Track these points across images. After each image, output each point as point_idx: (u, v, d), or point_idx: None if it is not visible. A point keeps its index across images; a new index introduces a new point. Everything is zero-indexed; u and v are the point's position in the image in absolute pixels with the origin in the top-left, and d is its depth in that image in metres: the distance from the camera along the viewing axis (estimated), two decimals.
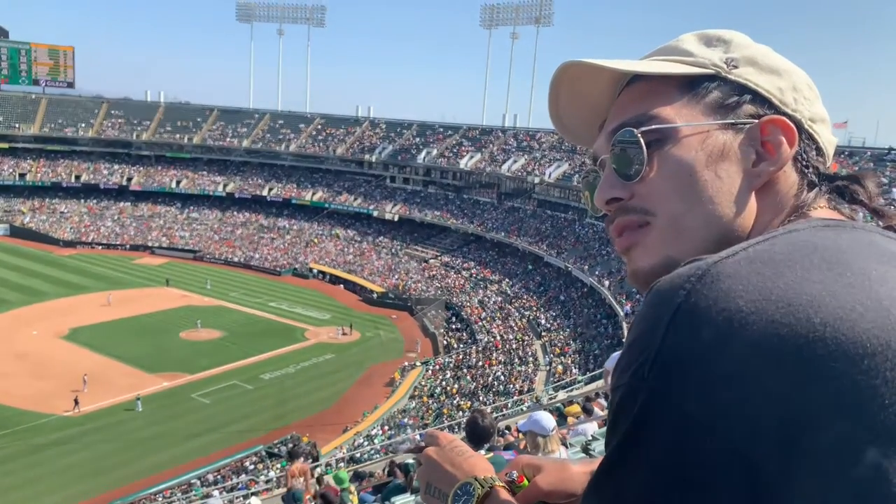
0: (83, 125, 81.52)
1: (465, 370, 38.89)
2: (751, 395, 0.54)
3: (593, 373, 30.06)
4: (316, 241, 69.30)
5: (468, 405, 31.95)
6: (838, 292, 0.57)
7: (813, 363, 0.53)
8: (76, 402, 31.67)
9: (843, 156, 42.86)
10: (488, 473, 0.98)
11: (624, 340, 0.58)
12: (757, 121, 0.79)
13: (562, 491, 0.99)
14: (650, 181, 0.79)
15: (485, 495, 0.94)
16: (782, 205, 0.79)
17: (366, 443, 28.37)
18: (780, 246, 0.64)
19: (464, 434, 4.77)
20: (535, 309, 47.26)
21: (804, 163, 0.80)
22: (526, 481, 0.99)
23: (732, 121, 0.79)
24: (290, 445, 26.08)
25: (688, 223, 0.78)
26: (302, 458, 13.56)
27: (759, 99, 0.80)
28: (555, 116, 0.93)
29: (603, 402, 13.45)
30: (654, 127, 0.79)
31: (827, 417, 0.52)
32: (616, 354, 5.08)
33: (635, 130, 0.79)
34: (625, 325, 34.96)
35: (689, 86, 0.81)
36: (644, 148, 0.79)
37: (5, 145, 76.84)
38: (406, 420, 32.17)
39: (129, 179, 78.63)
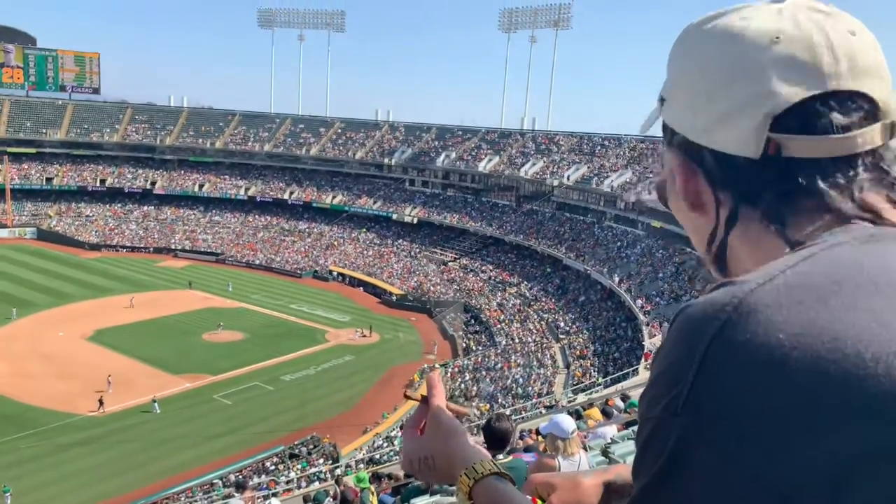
0: (108, 130, 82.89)
1: (483, 372, 38.87)
2: (795, 438, 0.50)
3: (612, 375, 29.92)
4: (336, 243, 69.73)
5: (486, 408, 31.93)
6: (890, 322, 0.52)
7: (864, 404, 0.50)
8: (101, 402, 32.18)
9: None
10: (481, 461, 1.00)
11: (650, 364, 0.63)
12: None
13: None
14: None
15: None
16: None
17: (385, 444, 28.48)
18: (821, 267, 0.58)
19: (482, 438, 4.79)
20: (554, 312, 47.11)
21: None
22: (540, 502, 1.03)
23: None
24: (240, 477, 25.81)
25: None
26: (250, 490, 13.89)
27: None
28: None
29: (620, 403, 13.46)
30: None
31: (879, 466, 0.49)
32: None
33: None
34: (644, 330, 34.72)
35: None
36: None
37: (33, 150, 78.43)
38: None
39: (153, 183, 79.78)
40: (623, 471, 1.02)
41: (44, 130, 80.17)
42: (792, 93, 0.68)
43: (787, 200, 0.70)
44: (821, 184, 0.68)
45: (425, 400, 1.09)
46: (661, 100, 0.81)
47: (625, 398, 13.82)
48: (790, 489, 0.50)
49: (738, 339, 0.54)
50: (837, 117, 0.68)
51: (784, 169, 0.69)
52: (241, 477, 24.30)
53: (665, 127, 0.80)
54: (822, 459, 0.50)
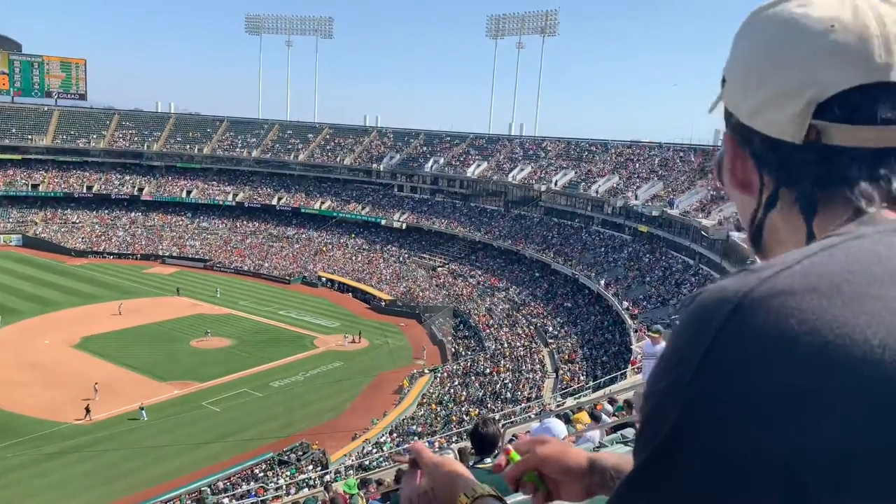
0: (95, 136, 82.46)
1: (473, 377, 38.96)
2: (800, 417, 0.52)
3: (601, 379, 30.11)
4: (325, 249, 69.68)
5: (476, 412, 32.02)
6: None
7: (868, 390, 0.51)
8: (87, 410, 31.98)
9: None
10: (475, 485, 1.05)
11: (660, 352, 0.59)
12: None
13: (555, 461, 1.06)
14: None
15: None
16: None
17: (375, 450, 28.48)
18: (840, 257, 0.59)
19: (469, 442, 4.83)
20: (542, 316, 47.31)
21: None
22: (513, 454, 1.09)
23: None
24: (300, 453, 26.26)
25: None
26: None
27: None
28: None
29: (609, 406, 13.58)
30: None
31: (880, 449, 0.50)
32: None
33: None
34: (633, 334, 34.96)
35: None
36: None
37: (18, 157, 77.86)
38: (415, 427, 32.28)
39: (141, 190, 79.40)
40: (607, 456, 1.07)
41: (29, 137, 79.62)
42: (837, 81, 0.68)
43: (823, 187, 0.70)
44: (857, 174, 0.68)
45: (414, 463, 1.10)
46: (723, 81, 0.81)
47: (613, 402, 13.94)
48: (795, 463, 0.51)
49: (749, 322, 0.56)
50: (883, 109, 0.67)
51: (824, 156, 0.70)
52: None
53: (725, 108, 0.81)
54: (826, 438, 0.51)
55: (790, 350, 0.53)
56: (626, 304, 40.17)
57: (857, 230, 0.65)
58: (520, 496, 1.13)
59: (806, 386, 0.52)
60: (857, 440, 0.50)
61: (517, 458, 1.07)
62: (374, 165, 76.39)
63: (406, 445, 20.22)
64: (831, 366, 0.52)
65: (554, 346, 41.71)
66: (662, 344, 9.51)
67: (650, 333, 10.44)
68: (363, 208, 73.79)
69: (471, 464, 5.23)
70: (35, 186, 77.45)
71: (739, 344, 0.55)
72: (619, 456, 1.05)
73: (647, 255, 48.05)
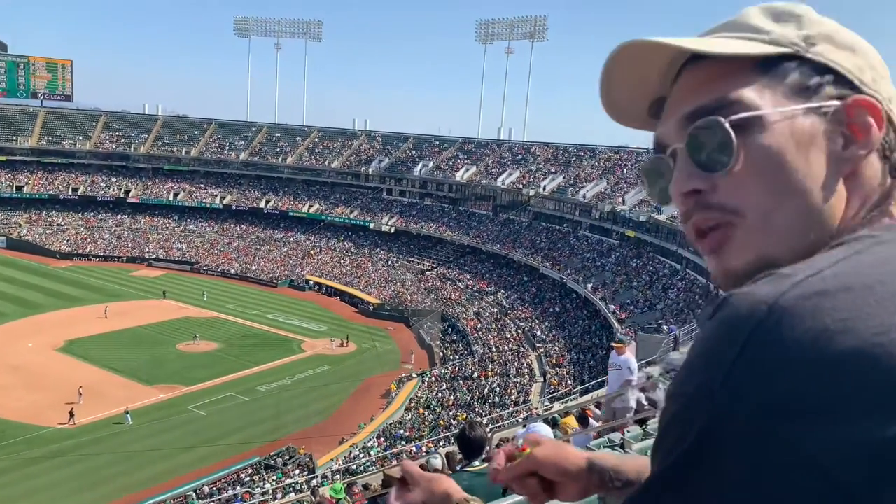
0: (81, 138, 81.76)
1: (460, 381, 38.95)
2: (839, 417, 0.50)
3: (588, 384, 30.19)
4: (312, 252, 69.46)
5: (464, 416, 32.00)
6: None
7: None
8: (71, 414, 31.65)
9: None
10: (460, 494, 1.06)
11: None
12: (841, 102, 0.71)
13: (554, 464, 1.03)
14: (737, 173, 0.71)
15: None
16: (869, 193, 0.72)
17: (362, 455, 28.39)
18: (867, 261, 0.59)
19: (456, 446, 4.82)
20: (530, 320, 47.40)
21: (888, 147, 0.73)
22: (529, 450, 1.06)
23: (818, 104, 0.71)
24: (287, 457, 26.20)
25: (780, 218, 0.70)
26: None
27: (839, 79, 0.72)
28: (606, 97, 0.86)
29: (596, 411, 13.61)
30: (746, 115, 0.70)
31: None
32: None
33: (722, 119, 0.71)
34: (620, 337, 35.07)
35: (765, 66, 0.73)
36: (733, 137, 0.70)
37: (3, 158, 77.02)
38: (402, 432, 32.21)
39: (127, 192, 78.80)
40: (607, 457, 1.06)
41: (14, 138, 78.81)
42: None
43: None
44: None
45: (403, 481, 1.10)
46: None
47: (600, 406, 13.96)
48: (832, 464, 0.50)
49: (783, 325, 0.54)
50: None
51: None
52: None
53: None
54: (865, 439, 0.50)
55: (826, 350, 0.52)
56: (613, 308, 40.35)
57: (880, 234, 0.65)
58: (515, 496, 1.14)
59: (845, 386, 0.51)
60: (893, 441, 0.49)
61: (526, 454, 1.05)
62: (363, 169, 76.32)
63: (394, 464, 20.16)
64: (872, 366, 0.51)
65: (542, 350, 41.80)
66: (627, 354, 9.34)
67: (615, 344, 10.18)
68: (351, 212, 73.67)
69: (458, 468, 5.24)
70: (20, 188, 76.65)
71: (773, 346, 0.54)
72: (619, 457, 1.04)
73: (635, 260, 48.30)
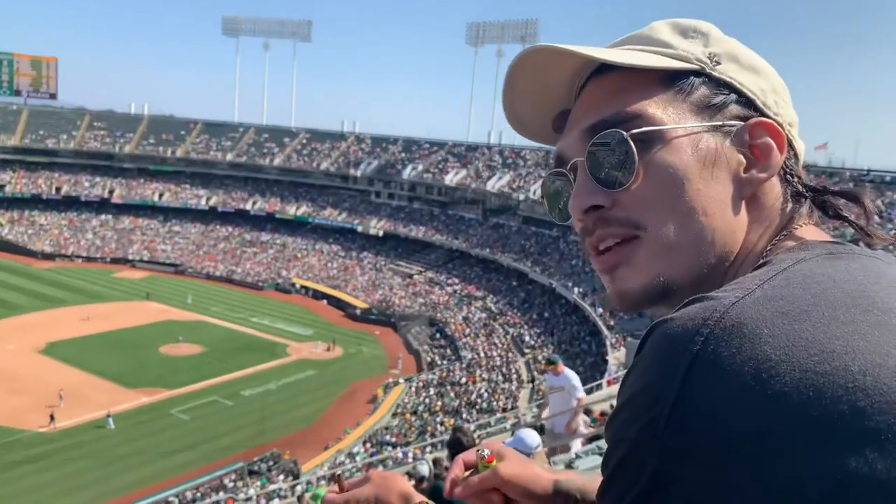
0: (65, 137, 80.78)
1: (448, 387, 38.71)
2: (788, 453, 0.48)
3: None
4: (299, 255, 68.99)
5: (451, 422, 31.76)
6: (868, 334, 0.51)
7: (855, 418, 0.48)
8: (52, 417, 31.09)
9: (823, 176, 43.55)
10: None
11: (620, 387, 0.56)
12: (744, 123, 0.71)
13: (519, 485, 0.95)
14: (637, 189, 0.69)
15: None
16: (770, 217, 0.72)
17: (347, 461, 28.08)
18: (796, 281, 0.57)
19: (447, 452, 4.66)
20: (519, 326, 47.27)
21: (788, 171, 0.73)
22: (495, 462, 0.97)
23: (721, 122, 0.70)
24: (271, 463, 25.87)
25: (681, 237, 0.68)
26: None
27: (742, 99, 0.72)
28: (509, 108, 0.84)
29: (585, 417, 13.44)
30: (648, 129, 0.69)
31: (872, 481, 0.47)
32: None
33: (624, 133, 0.69)
34: (608, 343, 35.03)
35: (670, 81, 0.71)
36: (634, 152, 0.68)
37: None
38: (389, 437, 31.93)
39: (111, 192, 77.88)
40: (574, 478, 0.97)
41: None
42: None
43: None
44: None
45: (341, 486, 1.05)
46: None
47: (588, 412, 13.82)
48: (791, 500, 0.48)
49: (723, 355, 0.51)
50: None
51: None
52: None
53: None
54: (816, 474, 0.48)
55: (768, 383, 0.50)
56: (602, 313, 40.29)
57: (796, 254, 0.64)
58: None
59: (791, 419, 0.49)
60: (846, 473, 0.47)
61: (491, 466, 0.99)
62: (351, 171, 75.98)
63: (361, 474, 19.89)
64: (816, 397, 0.49)
65: (530, 355, 41.66)
66: (566, 373, 8.64)
67: (547, 366, 9.32)
68: (339, 214, 73.27)
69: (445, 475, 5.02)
70: (1, 187, 75.56)
71: (715, 378, 0.51)
72: (586, 479, 0.98)
73: None
